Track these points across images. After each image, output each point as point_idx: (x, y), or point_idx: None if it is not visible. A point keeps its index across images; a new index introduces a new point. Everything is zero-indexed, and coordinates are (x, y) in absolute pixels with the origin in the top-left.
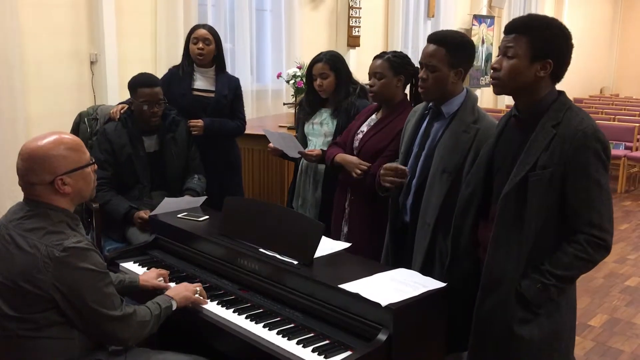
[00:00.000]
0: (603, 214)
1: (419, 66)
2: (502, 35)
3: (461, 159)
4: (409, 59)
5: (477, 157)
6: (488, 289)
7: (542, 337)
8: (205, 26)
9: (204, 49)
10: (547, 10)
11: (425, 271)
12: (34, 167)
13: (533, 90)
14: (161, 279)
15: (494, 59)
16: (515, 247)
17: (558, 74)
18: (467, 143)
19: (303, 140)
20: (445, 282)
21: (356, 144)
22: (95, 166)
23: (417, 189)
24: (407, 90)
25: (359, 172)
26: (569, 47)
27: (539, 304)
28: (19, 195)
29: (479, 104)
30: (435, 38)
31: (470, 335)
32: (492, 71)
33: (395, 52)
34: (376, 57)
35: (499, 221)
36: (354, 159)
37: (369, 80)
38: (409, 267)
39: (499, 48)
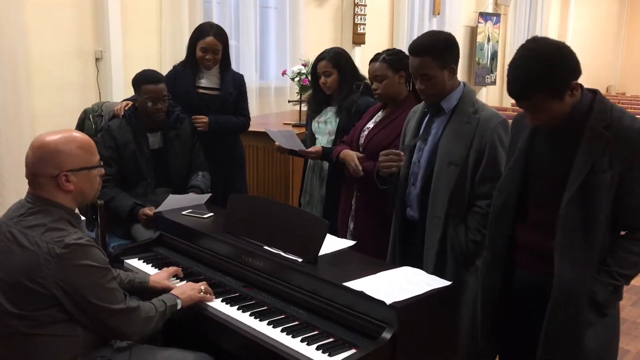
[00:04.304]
0: None
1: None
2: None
3: (466, 149)
4: (404, 53)
5: (482, 152)
6: (560, 300)
7: (605, 337)
8: (212, 30)
9: (211, 59)
10: (554, 9)
11: (439, 264)
12: (42, 159)
13: (575, 108)
14: (173, 279)
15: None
16: (582, 253)
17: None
18: (469, 133)
19: (312, 138)
20: (458, 276)
21: (362, 141)
22: (103, 171)
23: (424, 183)
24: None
25: (353, 165)
26: (571, 58)
27: (610, 306)
28: (23, 192)
29: (484, 101)
30: (417, 50)
31: (539, 346)
32: (536, 122)
33: (388, 50)
34: (372, 61)
35: (563, 229)
36: (353, 153)
37: (372, 85)
38: (416, 262)
39: (522, 106)
